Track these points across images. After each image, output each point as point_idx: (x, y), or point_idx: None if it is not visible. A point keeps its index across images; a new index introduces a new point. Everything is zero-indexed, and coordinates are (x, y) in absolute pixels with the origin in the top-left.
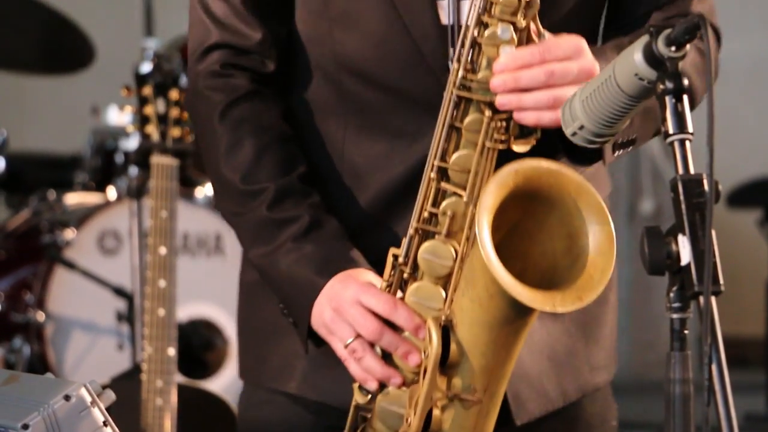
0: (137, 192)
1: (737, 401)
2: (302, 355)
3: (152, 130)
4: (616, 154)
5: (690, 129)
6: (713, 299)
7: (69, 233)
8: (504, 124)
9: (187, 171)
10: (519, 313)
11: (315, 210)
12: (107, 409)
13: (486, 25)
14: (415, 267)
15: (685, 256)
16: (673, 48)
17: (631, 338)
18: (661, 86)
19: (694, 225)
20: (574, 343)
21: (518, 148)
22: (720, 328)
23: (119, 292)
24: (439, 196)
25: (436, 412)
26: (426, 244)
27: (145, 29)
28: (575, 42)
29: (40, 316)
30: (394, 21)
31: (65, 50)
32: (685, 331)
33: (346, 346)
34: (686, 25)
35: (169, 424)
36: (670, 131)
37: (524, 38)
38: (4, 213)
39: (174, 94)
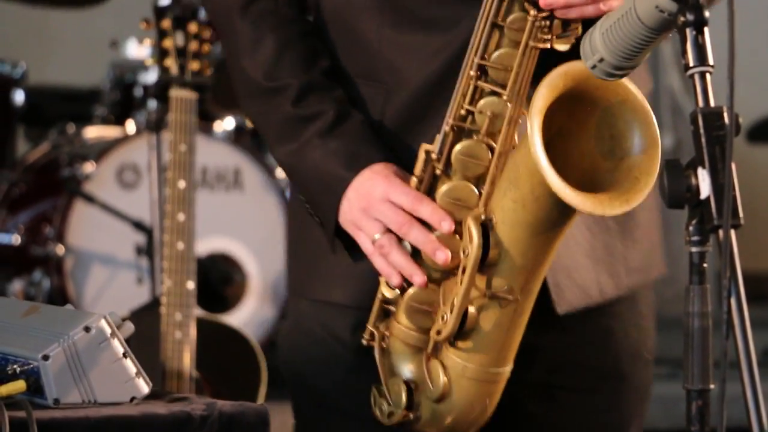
0: (156, 125)
1: (756, 336)
2: (346, 265)
3: (171, 63)
4: None
5: (711, 61)
6: (732, 233)
7: (88, 167)
8: (547, 22)
9: (206, 105)
10: (563, 214)
11: (340, 104)
12: (127, 341)
13: None
14: (448, 164)
15: (705, 189)
16: None
17: None
18: (682, 18)
19: (714, 158)
20: (612, 240)
21: (559, 46)
22: (739, 262)
23: (138, 225)
24: (477, 93)
25: (471, 310)
26: (462, 144)
27: None
28: None
29: (60, 250)
30: None
31: None
32: (704, 265)
33: (373, 242)
34: None
35: (188, 356)
36: (691, 64)
37: None
38: (24, 146)
39: (193, 27)
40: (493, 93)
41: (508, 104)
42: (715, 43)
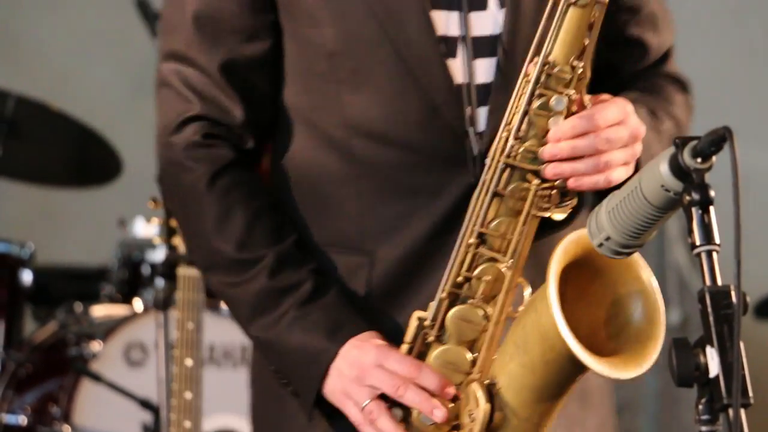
0: (164, 303)
1: None
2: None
3: (178, 241)
4: None
5: (717, 240)
6: (742, 412)
7: (95, 345)
8: (549, 192)
9: None
10: (570, 377)
11: (316, 275)
12: None
13: (540, 96)
14: (441, 330)
15: (714, 368)
16: (698, 159)
17: None
18: (688, 197)
19: (722, 337)
20: (570, 403)
21: (557, 215)
22: None
23: (145, 404)
24: (476, 259)
25: None
26: (457, 308)
27: None
28: (622, 105)
29: (66, 430)
30: (405, 75)
31: (94, 163)
32: None
33: (362, 409)
34: (712, 137)
35: None
36: (697, 243)
37: (572, 109)
38: (31, 326)
39: None
40: (492, 259)
41: (508, 271)
42: (722, 212)
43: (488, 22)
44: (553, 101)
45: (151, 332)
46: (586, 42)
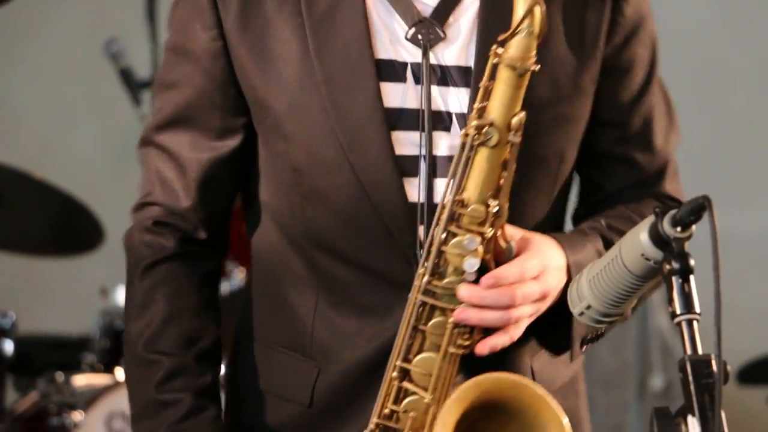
0: None
1: None
2: None
3: None
4: (584, 348)
5: (697, 309)
6: None
7: (77, 415)
8: (468, 328)
9: None
10: None
11: (200, 394)
12: None
13: (454, 234)
14: None
15: None
16: (678, 228)
17: None
18: (668, 266)
19: (704, 406)
20: None
21: (480, 350)
22: None
23: None
24: (401, 393)
25: None
26: None
27: None
28: (542, 262)
29: None
30: (362, 199)
31: (75, 232)
32: None
33: None
34: (692, 206)
35: None
36: (678, 311)
37: (491, 246)
38: (12, 396)
39: None
40: (417, 394)
41: (430, 406)
42: (701, 276)
43: (451, 142)
44: (465, 241)
45: None
46: (502, 181)
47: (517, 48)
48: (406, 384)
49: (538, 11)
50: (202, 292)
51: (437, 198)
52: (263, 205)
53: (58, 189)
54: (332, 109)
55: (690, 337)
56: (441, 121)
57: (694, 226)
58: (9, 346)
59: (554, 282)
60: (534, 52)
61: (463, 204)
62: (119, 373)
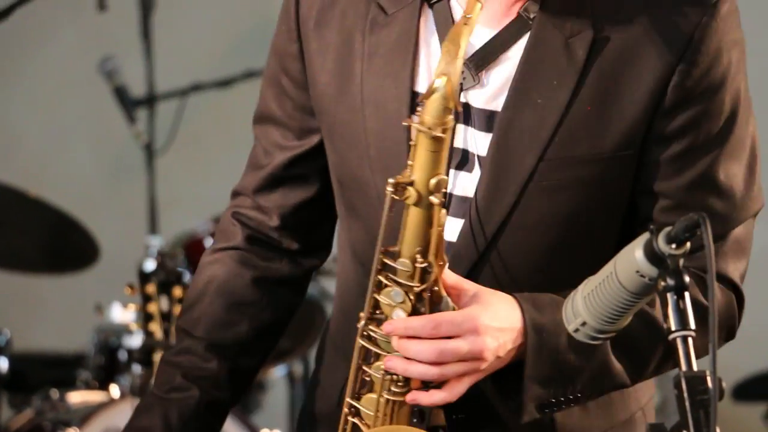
0: (140, 390)
1: None
2: None
3: (155, 327)
4: (546, 412)
5: (692, 325)
6: None
7: None
8: (401, 377)
9: None
10: None
11: (193, 377)
12: None
13: (385, 285)
14: None
15: None
16: (673, 245)
17: None
18: (663, 283)
19: (699, 423)
20: None
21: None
22: None
23: None
24: (355, 428)
25: None
26: None
27: (149, 227)
28: (472, 318)
29: None
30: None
31: (70, 249)
32: None
33: None
34: (686, 223)
35: None
36: (673, 328)
37: (425, 300)
38: (7, 413)
39: (177, 292)
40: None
41: None
42: None
43: (470, 184)
44: (393, 292)
45: (128, 418)
46: (431, 239)
47: (430, 113)
48: (356, 420)
49: (445, 82)
50: (246, 290)
51: (447, 236)
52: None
53: (54, 206)
54: (368, 133)
55: (685, 353)
56: (464, 161)
57: (689, 243)
58: (4, 364)
59: (492, 343)
60: (449, 117)
61: (393, 256)
62: (114, 390)
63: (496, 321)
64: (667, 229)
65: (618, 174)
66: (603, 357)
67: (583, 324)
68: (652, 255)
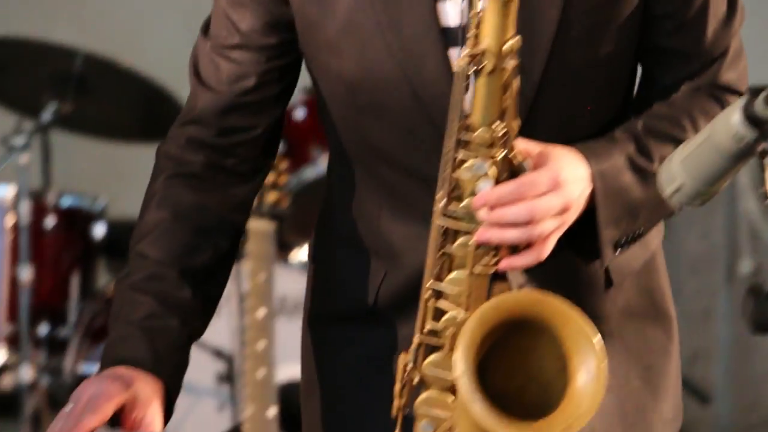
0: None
1: None
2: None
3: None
4: (618, 251)
5: None
6: None
7: None
8: (492, 248)
9: (284, 235)
10: None
11: (168, 305)
12: None
13: (461, 161)
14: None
15: None
16: None
17: (733, 399)
18: (761, 146)
19: None
20: (643, 399)
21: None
22: None
23: (219, 353)
24: (438, 312)
25: None
26: (430, 358)
27: None
28: (554, 174)
29: None
30: (418, 111)
31: (162, 118)
32: None
33: None
34: None
35: None
36: None
37: (505, 167)
38: (105, 278)
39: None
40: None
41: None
42: None
43: None
44: (475, 165)
45: None
46: (506, 103)
47: None
48: (441, 303)
49: None
50: (208, 215)
51: None
52: (325, 115)
53: (144, 76)
54: (387, 25)
55: None
56: None
57: None
58: (101, 230)
59: (575, 192)
60: None
61: (468, 129)
62: None
63: (573, 172)
64: (767, 91)
65: (631, 9)
66: (656, 188)
67: (680, 188)
68: (751, 117)
